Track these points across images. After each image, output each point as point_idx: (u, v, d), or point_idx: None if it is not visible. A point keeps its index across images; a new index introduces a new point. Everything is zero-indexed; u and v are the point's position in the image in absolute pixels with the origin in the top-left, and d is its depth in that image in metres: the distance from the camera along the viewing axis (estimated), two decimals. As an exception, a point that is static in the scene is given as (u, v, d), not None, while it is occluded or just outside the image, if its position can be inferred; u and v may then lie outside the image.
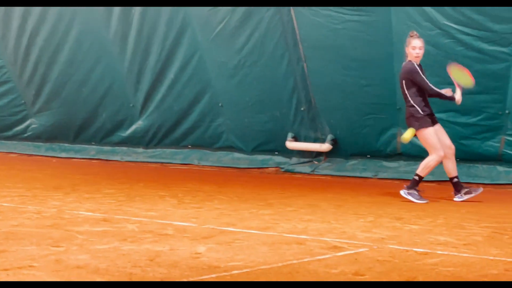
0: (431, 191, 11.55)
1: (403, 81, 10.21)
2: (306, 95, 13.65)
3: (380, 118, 12.92)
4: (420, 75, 10.11)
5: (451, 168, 10.20)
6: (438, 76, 12.12)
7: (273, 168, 14.20)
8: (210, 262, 6.07)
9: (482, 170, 12.16)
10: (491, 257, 6.39)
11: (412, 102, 10.14)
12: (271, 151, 14.35)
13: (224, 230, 7.63)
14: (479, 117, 11.95)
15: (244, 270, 5.77)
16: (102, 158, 16.10)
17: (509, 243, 7.10)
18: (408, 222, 8.31)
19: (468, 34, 11.75)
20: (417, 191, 10.18)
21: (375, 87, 12.83)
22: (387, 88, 12.67)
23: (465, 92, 11.97)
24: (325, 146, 13.56)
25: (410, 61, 10.20)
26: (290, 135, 13.94)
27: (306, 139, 13.86)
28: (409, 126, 10.24)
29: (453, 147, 10.24)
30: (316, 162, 13.85)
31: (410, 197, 10.12)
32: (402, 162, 12.92)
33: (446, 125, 12.15)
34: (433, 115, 10.26)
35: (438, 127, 10.24)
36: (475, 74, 11.78)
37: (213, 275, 5.59)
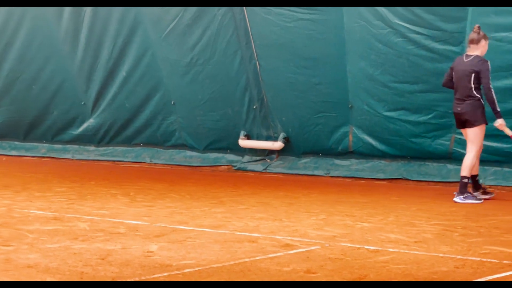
0: (382, 189, 11.64)
1: (473, 75, 10.12)
2: (258, 93, 13.67)
3: (332, 116, 12.98)
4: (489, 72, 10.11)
5: (477, 167, 10.30)
6: (390, 74, 12.24)
7: (225, 166, 14.20)
8: (162, 260, 6.05)
9: (432, 168, 12.27)
10: (441, 254, 6.45)
11: (477, 95, 10.11)
12: (223, 149, 14.34)
13: (176, 228, 7.61)
14: (429, 116, 12.05)
15: (196, 269, 5.76)
16: (53, 156, 15.96)
17: (459, 240, 7.18)
18: (359, 220, 8.36)
19: (419, 33, 11.85)
20: (469, 192, 10.14)
21: (327, 85, 12.88)
22: (339, 87, 12.73)
23: (415, 91, 12.12)
24: (278, 144, 13.59)
25: (484, 58, 10.15)
26: (242, 133, 13.95)
27: (259, 137, 13.87)
28: (473, 119, 10.09)
29: None
30: (268, 160, 13.87)
31: (468, 201, 10.00)
32: (353, 160, 12.99)
33: (397, 123, 12.27)
34: None
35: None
36: (426, 73, 11.91)
37: (165, 274, 5.57)
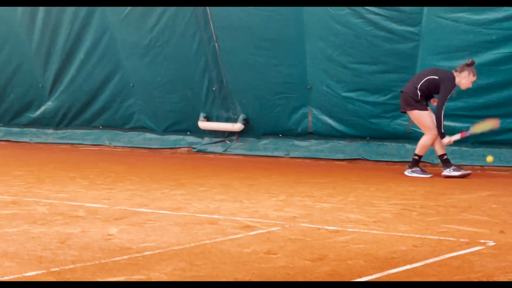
0: (342, 169, 11.70)
1: (429, 77, 10.49)
2: (217, 75, 13.64)
3: (292, 97, 13.01)
4: (448, 93, 10.41)
5: (441, 147, 10.58)
6: (349, 55, 12.27)
7: (185, 148, 14.18)
8: (122, 243, 6.03)
9: (391, 148, 12.36)
10: (400, 234, 6.50)
11: (420, 87, 10.48)
12: (183, 131, 14.32)
13: (136, 211, 7.59)
14: (388, 96, 12.13)
15: (157, 251, 5.75)
16: (11, 139, 15.83)
17: (417, 219, 7.24)
18: (319, 201, 8.39)
19: (377, 14, 11.89)
20: (420, 167, 10.69)
21: (286, 66, 12.90)
22: (298, 68, 12.75)
23: (374, 71, 12.17)
24: (237, 126, 13.59)
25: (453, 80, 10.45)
26: (202, 115, 13.92)
27: (218, 119, 13.86)
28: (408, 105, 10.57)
29: None
30: (228, 142, 13.87)
31: (415, 175, 10.64)
32: (313, 141, 13.04)
33: (356, 104, 12.32)
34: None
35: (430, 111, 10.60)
36: (385, 53, 11.96)
37: (125, 257, 5.55)
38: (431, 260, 5.53)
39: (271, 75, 13.08)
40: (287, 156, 13.11)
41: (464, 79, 10.40)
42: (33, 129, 15.84)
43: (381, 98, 12.18)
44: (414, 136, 11.83)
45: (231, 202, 8.22)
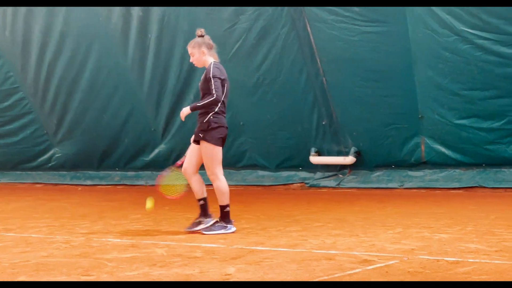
0: (459, 198, 11.48)
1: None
2: (327, 109, 13.62)
3: (403, 128, 12.88)
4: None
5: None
6: (459, 82, 12.09)
7: (298, 184, 14.17)
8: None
9: (509, 174, 12.07)
10: (524, 263, 6.32)
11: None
12: (295, 167, 14.32)
13: (253, 249, 7.60)
14: (502, 121, 11.88)
15: (275, 289, 5.73)
16: (127, 183, 16.12)
17: (541, 247, 7.03)
18: (437, 231, 8.24)
19: (486, 39, 11.69)
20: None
21: (395, 97, 12.79)
22: (408, 97, 12.63)
23: (486, 97, 11.94)
24: (349, 159, 13.52)
25: None
26: (313, 149, 13.91)
27: (330, 153, 13.82)
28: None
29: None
30: (341, 176, 13.80)
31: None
32: (427, 171, 12.86)
33: (470, 131, 12.10)
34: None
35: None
36: (496, 78, 11.72)
37: (245, 296, 5.56)
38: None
39: (380, 107, 12.99)
40: (401, 187, 12.95)
41: None
42: (148, 172, 16.10)
43: (496, 124, 11.93)
44: (532, 160, 11.55)
45: (347, 237, 8.15)
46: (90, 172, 16.84)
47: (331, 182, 13.76)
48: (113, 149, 16.43)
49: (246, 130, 14.60)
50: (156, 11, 14.77)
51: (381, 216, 9.78)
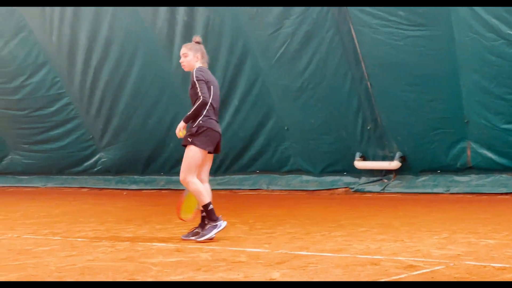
0: (506, 203, 11.36)
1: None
2: (371, 114, 13.57)
3: (448, 132, 12.78)
4: None
5: None
6: (506, 86, 11.97)
7: (343, 189, 14.12)
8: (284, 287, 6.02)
9: None
10: None
11: None
12: (339, 172, 14.28)
13: (298, 254, 7.58)
14: None
15: (320, 294, 5.71)
16: (172, 188, 16.19)
17: None
18: (484, 237, 8.16)
19: (533, 42, 11.58)
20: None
21: (441, 101, 12.71)
22: (453, 102, 12.54)
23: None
24: (394, 164, 13.45)
25: None
26: (358, 154, 13.86)
27: (375, 158, 13.77)
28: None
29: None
30: (385, 181, 13.74)
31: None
32: (473, 176, 12.75)
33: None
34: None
35: None
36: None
37: (289, 301, 5.55)
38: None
39: (425, 111, 12.91)
40: (447, 192, 12.85)
41: None
42: (193, 177, 16.13)
43: None
44: None
45: (392, 242, 8.10)
46: (135, 176, 16.95)
47: (376, 187, 13.70)
48: (158, 154, 16.52)
49: (290, 135, 14.60)
50: (200, 17, 14.83)
51: (426, 221, 9.71)
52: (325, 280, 6.24)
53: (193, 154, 8.69)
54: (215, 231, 8.61)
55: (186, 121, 8.71)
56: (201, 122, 8.62)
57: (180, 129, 8.77)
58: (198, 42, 8.94)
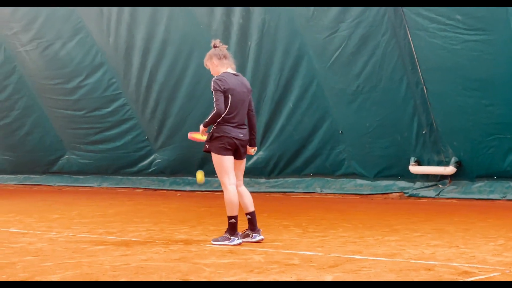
0: None
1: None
2: (427, 118, 13.47)
3: (505, 138, 12.64)
4: None
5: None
6: None
7: (397, 193, 14.04)
8: (338, 291, 6.01)
9: None
10: None
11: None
12: (394, 176, 14.20)
13: (350, 258, 7.56)
14: None
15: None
16: (225, 190, 16.20)
17: None
18: (540, 244, 8.06)
19: None
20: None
21: (498, 106, 12.56)
22: (511, 107, 12.38)
23: None
24: (450, 169, 13.33)
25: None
26: (412, 159, 13.77)
27: (430, 163, 13.66)
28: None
29: None
30: (441, 186, 13.62)
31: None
32: (530, 182, 12.59)
33: None
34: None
35: None
36: None
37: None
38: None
39: (482, 116, 12.77)
40: (504, 198, 12.70)
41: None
42: (246, 179, 16.12)
43: None
44: None
45: (447, 247, 8.03)
46: (189, 178, 17.02)
47: (430, 192, 13.59)
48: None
49: (344, 138, 14.55)
50: (256, 19, 14.86)
51: (482, 227, 9.61)
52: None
53: (215, 160, 8.86)
54: (225, 242, 8.68)
55: (204, 126, 8.88)
56: (214, 128, 8.76)
57: (202, 133, 8.86)
58: (214, 46, 9.01)
